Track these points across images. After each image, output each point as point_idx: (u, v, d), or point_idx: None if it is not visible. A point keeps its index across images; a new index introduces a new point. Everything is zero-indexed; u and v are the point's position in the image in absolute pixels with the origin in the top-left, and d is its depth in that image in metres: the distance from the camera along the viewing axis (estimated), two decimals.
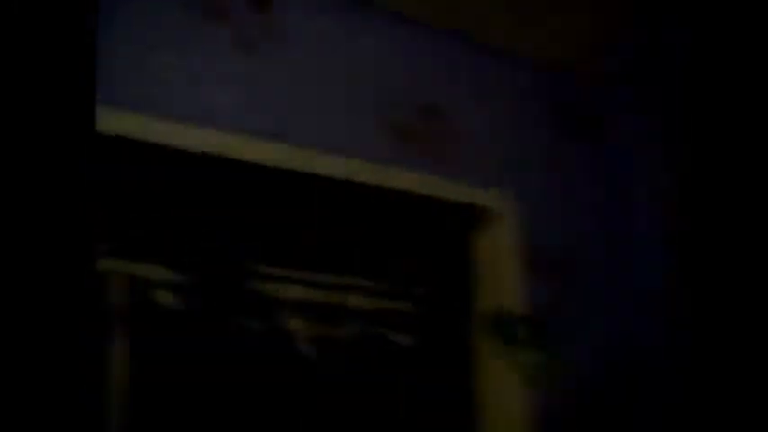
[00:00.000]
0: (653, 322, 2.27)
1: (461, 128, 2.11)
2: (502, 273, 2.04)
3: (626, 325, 2.38)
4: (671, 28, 2.08)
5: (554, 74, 2.40)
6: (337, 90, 1.96)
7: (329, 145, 1.91)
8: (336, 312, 2.26)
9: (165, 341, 1.87)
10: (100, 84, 1.63)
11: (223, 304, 2.07)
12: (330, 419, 1.99)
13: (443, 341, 2.26)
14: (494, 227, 2.09)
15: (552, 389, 2.17)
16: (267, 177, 1.91)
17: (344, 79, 1.97)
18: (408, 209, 2.12)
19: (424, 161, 2.04)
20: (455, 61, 2.19)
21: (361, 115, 1.99)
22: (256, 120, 1.83)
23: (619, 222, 2.49)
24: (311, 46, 1.95)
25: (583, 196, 2.40)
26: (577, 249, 2.35)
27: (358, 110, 1.99)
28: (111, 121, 1.65)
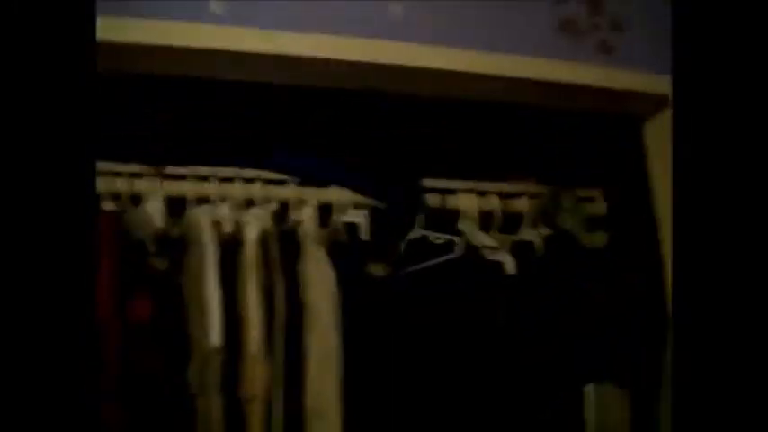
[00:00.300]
0: None
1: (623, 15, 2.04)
2: None
3: None
4: None
5: None
6: None
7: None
8: (516, 220, 2.24)
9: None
10: None
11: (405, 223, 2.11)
12: (533, 326, 2.00)
13: (630, 239, 2.22)
14: (668, 114, 1.98)
15: None
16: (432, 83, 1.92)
17: None
18: (577, 104, 2.06)
19: (588, 53, 1.98)
20: None
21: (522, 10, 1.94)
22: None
23: None
24: None
25: None
26: None
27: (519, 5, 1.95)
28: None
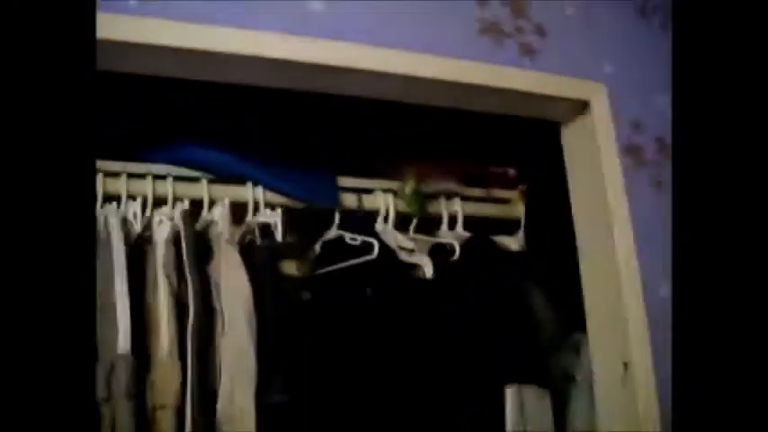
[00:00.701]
0: None
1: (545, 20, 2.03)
2: (600, 164, 1.98)
3: None
4: None
5: None
6: None
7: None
8: (437, 223, 2.22)
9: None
10: None
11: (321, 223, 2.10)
12: (452, 329, 1.99)
13: (547, 241, 2.22)
14: (587, 118, 2.01)
15: None
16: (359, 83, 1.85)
17: None
18: (500, 107, 2.03)
19: (511, 57, 1.95)
20: None
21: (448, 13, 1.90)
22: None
23: None
24: None
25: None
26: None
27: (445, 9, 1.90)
28: None
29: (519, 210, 2.39)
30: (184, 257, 1.73)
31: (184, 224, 1.77)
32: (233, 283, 1.75)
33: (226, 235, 1.80)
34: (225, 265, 1.76)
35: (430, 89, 1.87)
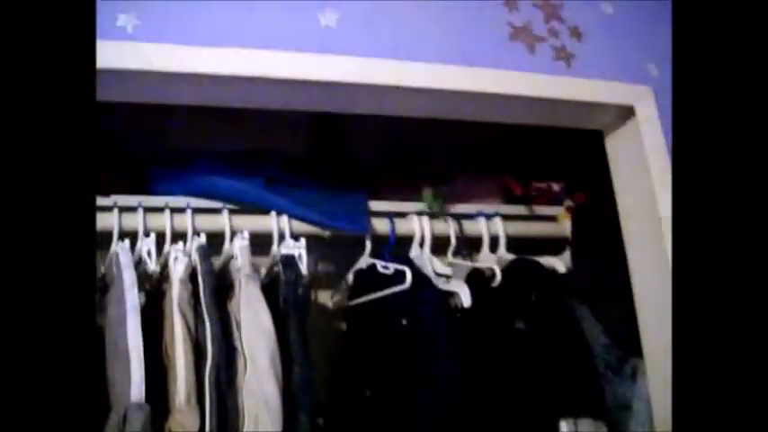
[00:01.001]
0: None
1: (581, 21, 1.88)
2: (649, 173, 1.81)
3: None
4: None
5: None
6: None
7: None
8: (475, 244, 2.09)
9: None
10: None
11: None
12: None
13: (597, 262, 2.05)
14: (633, 125, 1.85)
15: None
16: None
17: None
18: (537, 118, 1.90)
19: (545, 62, 1.81)
20: None
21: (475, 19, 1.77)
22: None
23: None
24: None
25: None
26: None
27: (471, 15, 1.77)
28: None
29: (565, 227, 2.23)
30: (201, 295, 1.61)
31: (201, 259, 1.66)
32: (254, 320, 1.62)
33: (246, 269, 1.68)
34: (245, 302, 1.64)
35: (459, 103, 1.74)
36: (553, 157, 2.29)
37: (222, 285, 1.73)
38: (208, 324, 1.58)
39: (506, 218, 2.16)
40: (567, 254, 2.17)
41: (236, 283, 1.68)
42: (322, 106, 1.69)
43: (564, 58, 1.83)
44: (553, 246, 2.19)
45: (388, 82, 1.60)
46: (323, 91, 1.59)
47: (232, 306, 1.67)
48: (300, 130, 2.24)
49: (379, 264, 1.89)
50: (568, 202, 2.30)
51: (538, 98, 1.75)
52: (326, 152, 2.23)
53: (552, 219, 2.28)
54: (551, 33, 1.85)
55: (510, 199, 2.29)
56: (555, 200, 2.29)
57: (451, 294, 1.85)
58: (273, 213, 1.90)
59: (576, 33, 1.86)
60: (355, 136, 2.27)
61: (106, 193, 1.82)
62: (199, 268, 1.65)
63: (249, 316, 1.63)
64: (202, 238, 1.73)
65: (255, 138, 2.17)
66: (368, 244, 1.97)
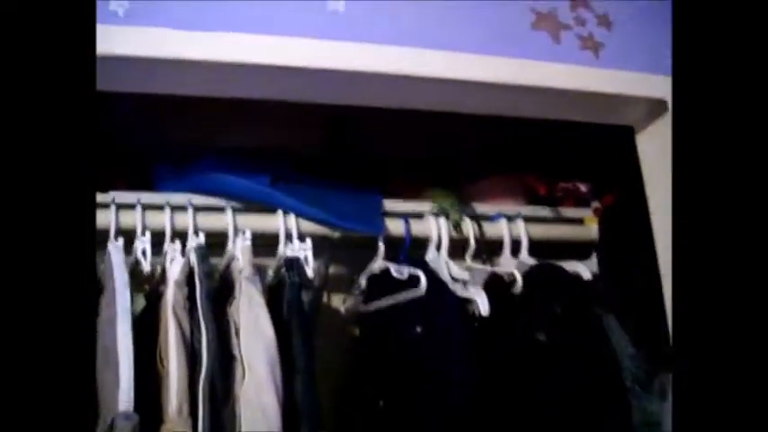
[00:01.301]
0: None
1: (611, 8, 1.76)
2: None
3: None
4: None
5: None
6: None
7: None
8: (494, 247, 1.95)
9: None
10: None
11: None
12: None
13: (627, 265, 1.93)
14: (666, 120, 1.72)
15: None
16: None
17: None
18: (562, 112, 1.79)
19: (571, 52, 1.69)
20: None
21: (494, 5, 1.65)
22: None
23: None
24: None
25: None
26: None
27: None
28: None
29: (592, 231, 2.09)
30: (197, 298, 1.51)
31: (198, 260, 1.55)
32: (253, 326, 1.51)
33: (247, 271, 1.57)
34: (245, 306, 1.53)
35: (477, 94, 1.62)
36: (579, 155, 2.16)
37: (223, 288, 1.63)
38: (203, 329, 1.48)
39: (529, 220, 2.03)
40: (593, 259, 2.04)
41: (237, 286, 1.57)
42: (326, 97, 1.58)
43: (591, 47, 1.70)
44: (579, 250, 2.06)
45: (397, 71, 1.48)
46: (327, 80, 1.48)
47: (232, 311, 1.56)
48: (314, 126, 2.13)
49: (393, 267, 1.77)
50: (596, 204, 2.16)
51: (563, 90, 1.62)
52: (340, 149, 2.12)
53: (578, 221, 2.14)
54: (578, 21, 1.72)
55: (533, 200, 2.16)
56: (582, 201, 2.16)
57: (469, 301, 1.72)
58: (280, 212, 1.79)
59: (605, 21, 1.74)
60: (371, 133, 2.16)
61: (104, 190, 1.72)
62: (196, 270, 1.54)
63: (249, 321, 1.52)
64: (201, 238, 1.63)
65: (266, 134, 2.07)
66: (381, 246, 1.85)
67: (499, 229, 1.98)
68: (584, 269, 1.82)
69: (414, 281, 1.69)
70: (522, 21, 1.66)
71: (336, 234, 1.83)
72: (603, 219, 2.04)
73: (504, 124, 1.84)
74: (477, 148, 2.24)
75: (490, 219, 2.00)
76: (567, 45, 1.68)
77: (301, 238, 1.75)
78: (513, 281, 1.77)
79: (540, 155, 2.22)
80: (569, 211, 2.14)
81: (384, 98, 1.61)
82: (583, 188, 2.15)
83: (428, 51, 1.53)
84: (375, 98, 1.61)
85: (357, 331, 1.98)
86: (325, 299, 2.01)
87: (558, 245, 2.07)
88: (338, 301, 2.02)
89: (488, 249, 1.99)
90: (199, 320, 1.49)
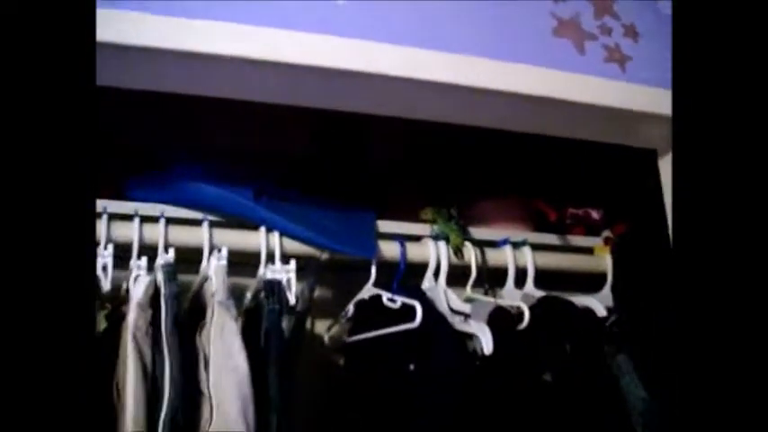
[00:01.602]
0: None
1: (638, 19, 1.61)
2: None
3: None
4: None
5: None
6: None
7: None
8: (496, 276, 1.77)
9: None
10: None
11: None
12: None
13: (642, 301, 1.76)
14: None
15: None
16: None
17: None
18: (580, 130, 1.62)
19: (595, 64, 1.53)
20: None
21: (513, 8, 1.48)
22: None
23: None
24: None
25: None
26: None
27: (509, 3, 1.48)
28: None
29: (604, 262, 1.92)
30: (162, 324, 1.32)
31: (165, 280, 1.36)
32: (224, 358, 1.32)
33: (220, 295, 1.38)
34: (216, 335, 1.34)
35: (487, 105, 1.44)
36: (590, 180, 2.00)
37: (195, 312, 1.45)
38: (166, 360, 1.29)
39: (536, 247, 1.85)
40: (603, 292, 1.87)
41: (209, 312, 1.38)
42: (319, 99, 1.40)
43: (618, 60, 1.53)
44: (587, 282, 1.89)
45: (398, 73, 1.30)
46: (320, 79, 1.30)
47: (202, 339, 1.37)
48: (303, 127, 1.95)
49: (385, 295, 1.58)
50: (607, 233, 2.00)
51: (587, 105, 1.45)
52: (332, 154, 1.94)
53: (588, 251, 1.97)
54: (603, 30, 1.55)
55: (540, 226, 1.98)
56: (593, 228, 1.99)
57: (469, 336, 1.54)
58: (263, 229, 1.60)
59: (631, 32, 1.57)
60: (369, 145, 1.99)
61: None
62: (162, 290, 1.35)
63: (220, 353, 1.32)
64: (170, 255, 1.44)
65: (252, 136, 1.89)
66: (373, 270, 1.67)
67: (503, 257, 1.80)
68: (598, 304, 1.65)
69: (408, 312, 1.51)
70: (543, 26, 1.49)
71: (324, 255, 1.65)
72: (617, 249, 1.87)
73: (510, 141, 1.67)
74: (479, 165, 2.06)
75: (494, 245, 1.81)
76: (591, 56, 1.51)
77: (285, 258, 1.57)
78: (520, 315, 1.58)
79: (548, 176, 2.05)
80: (579, 240, 1.97)
81: (382, 104, 1.43)
82: (594, 215, 1.98)
83: (433, 53, 1.35)
84: (372, 103, 1.43)
85: (342, 361, 1.79)
86: (308, 325, 1.82)
87: (563, 275, 1.90)
88: (323, 328, 1.83)
89: (489, 278, 1.81)
90: (162, 349, 1.30)
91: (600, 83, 1.47)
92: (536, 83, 1.39)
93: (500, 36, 1.43)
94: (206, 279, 1.45)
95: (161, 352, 1.30)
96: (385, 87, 1.33)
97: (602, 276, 1.90)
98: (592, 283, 1.89)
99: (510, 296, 1.73)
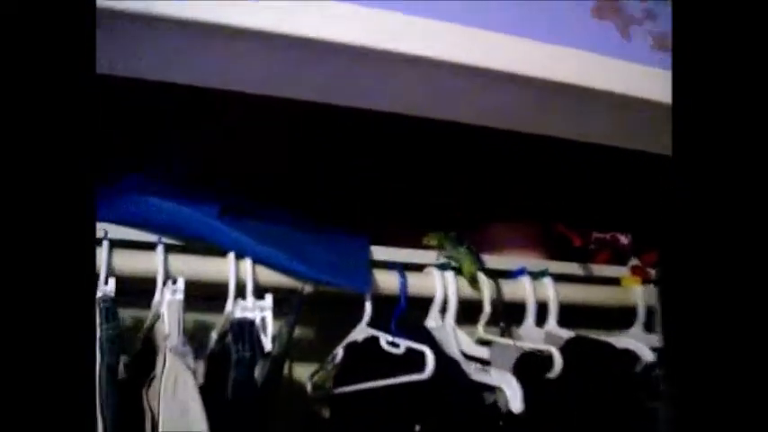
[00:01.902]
0: None
1: None
2: None
3: None
4: None
5: None
6: None
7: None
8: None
9: None
10: None
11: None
12: None
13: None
14: None
15: None
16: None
17: None
18: (614, 132, 1.36)
19: (640, 51, 1.26)
20: None
21: None
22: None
23: None
24: None
25: None
26: None
27: None
28: None
29: (633, 294, 1.64)
30: (96, 375, 1.01)
31: (102, 319, 1.06)
32: (179, 420, 1.02)
33: (174, 339, 1.08)
34: (167, 391, 1.03)
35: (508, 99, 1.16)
36: (621, 199, 1.73)
37: (146, 356, 1.15)
38: (99, 423, 0.98)
39: (558, 278, 1.57)
40: (633, 330, 1.60)
41: (159, 360, 1.08)
42: (309, 89, 1.11)
43: (667, 47, 1.26)
44: (609, 317, 1.62)
45: (403, 49, 1.01)
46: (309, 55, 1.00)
47: (150, 395, 1.06)
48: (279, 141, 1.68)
49: (384, 338, 1.29)
50: (635, 261, 1.73)
51: (632, 98, 1.16)
52: (314, 175, 1.66)
53: (614, 282, 1.69)
54: (648, 15, 1.29)
55: (557, 253, 1.71)
56: (621, 255, 1.71)
57: (488, 388, 1.24)
58: (231, 255, 1.31)
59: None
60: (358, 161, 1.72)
61: None
62: (98, 332, 1.05)
63: (172, 414, 1.02)
64: (110, 286, 1.14)
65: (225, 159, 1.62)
66: (368, 307, 1.37)
67: (519, 289, 1.52)
68: (643, 348, 1.36)
69: (413, 358, 1.21)
70: (581, 5, 1.22)
71: (307, 287, 1.35)
72: (661, 281, 1.59)
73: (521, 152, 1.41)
74: (487, 186, 1.80)
75: (509, 275, 1.53)
76: (637, 42, 1.24)
77: (259, 291, 1.27)
78: (550, 360, 1.29)
79: (565, 194, 1.79)
80: (604, 270, 1.69)
81: (378, 90, 1.14)
82: (623, 239, 1.70)
83: (445, 25, 1.06)
84: (367, 95, 1.14)
85: (327, 414, 1.50)
86: (286, 370, 1.52)
87: (584, 309, 1.62)
88: (304, 374, 1.53)
89: (505, 315, 1.52)
90: (95, 408, 0.99)
91: (647, 72, 1.19)
92: (576, 69, 1.11)
93: (531, 15, 1.16)
94: (158, 317, 1.15)
95: (101, 407, 0.99)
96: (382, 66, 1.04)
97: (630, 311, 1.63)
98: (616, 318, 1.63)
99: (530, 336, 1.44)
